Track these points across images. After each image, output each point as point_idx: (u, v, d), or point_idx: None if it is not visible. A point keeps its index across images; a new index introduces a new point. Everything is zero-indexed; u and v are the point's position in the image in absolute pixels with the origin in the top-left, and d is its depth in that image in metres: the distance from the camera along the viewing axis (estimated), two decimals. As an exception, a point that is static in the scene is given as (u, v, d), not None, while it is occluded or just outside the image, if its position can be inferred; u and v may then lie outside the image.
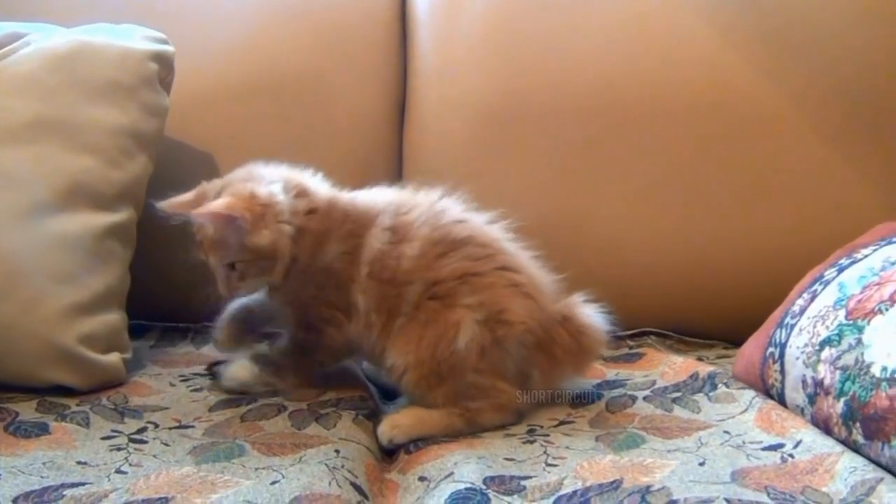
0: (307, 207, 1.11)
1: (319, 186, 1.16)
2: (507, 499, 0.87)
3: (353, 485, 0.89)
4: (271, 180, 1.12)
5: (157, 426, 1.05)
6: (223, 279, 1.11)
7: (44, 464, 0.92)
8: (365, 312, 1.11)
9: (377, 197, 1.17)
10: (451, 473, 0.91)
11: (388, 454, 1.05)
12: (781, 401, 1.09)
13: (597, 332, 1.13)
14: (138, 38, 1.34)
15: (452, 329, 1.06)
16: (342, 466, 0.92)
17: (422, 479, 0.93)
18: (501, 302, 1.08)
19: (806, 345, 1.06)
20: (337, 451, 0.95)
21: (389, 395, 1.22)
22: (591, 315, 1.14)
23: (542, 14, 1.54)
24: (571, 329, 1.12)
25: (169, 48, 1.36)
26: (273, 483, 0.87)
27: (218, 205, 1.06)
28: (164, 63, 1.35)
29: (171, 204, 1.11)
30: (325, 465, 0.91)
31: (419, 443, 1.03)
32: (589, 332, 1.13)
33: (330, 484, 0.87)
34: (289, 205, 1.10)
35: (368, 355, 1.17)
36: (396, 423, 1.06)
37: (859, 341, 0.98)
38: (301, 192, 1.12)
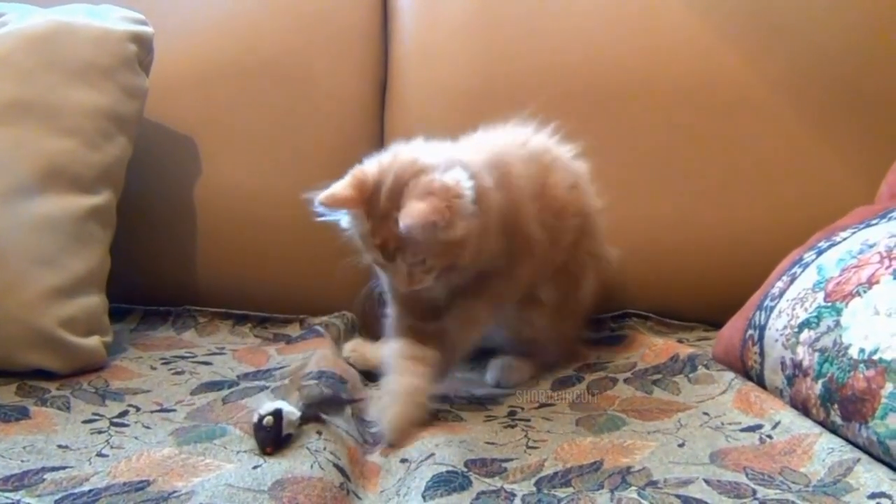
0: (479, 184, 1.05)
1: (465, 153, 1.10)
2: (489, 480, 0.87)
3: (336, 466, 0.89)
4: (446, 164, 1.03)
5: (138, 409, 1.05)
6: (405, 275, 1.04)
7: (24, 448, 0.92)
8: (542, 244, 1.15)
9: (472, 142, 1.18)
10: (433, 454, 0.91)
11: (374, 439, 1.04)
12: (761, 382, 1.10)
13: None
14: (117, 19, 1.32)
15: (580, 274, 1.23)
16: (324, 449, 0.92)
17: (403, 461, 0.94)
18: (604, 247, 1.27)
19: (785, 327, 1.07)
20: (319, 433, 0.95)
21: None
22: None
23: (524, -3, 1.54)
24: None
25: (148, 29, 1.35)
26: (255, 467, 0.87)
27: (423, 211, 0.97)
28: (144, 44, 1.33)
29: (336, 199, 1.03)
30: (307, 448, 0.91)
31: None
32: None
33: (312, 467, 0.87)
34: (472, 188, 1.03)
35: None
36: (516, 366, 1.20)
37: (837, 323, 0.99)
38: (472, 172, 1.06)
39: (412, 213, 0.97)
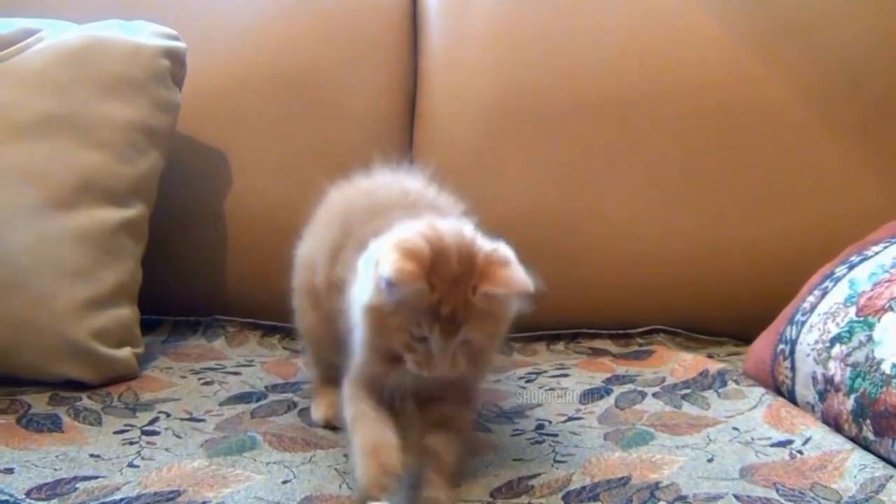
0: None
1: None
2: (516, 501, 0.87)
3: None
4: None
5: (168, 416, 1.06)
6: (449, 358, 0.89)
7: (56, 457, 0.93)
8: None
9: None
10: (459, 485, 0.90)
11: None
12: (792, 398, 1.09)
13: None
14: (150, 35, 1.34)
15: None
16: (352, 470, 0.92)
17: None
18: None
19: (816, 342, 1.06)
20: (346, 456, 0.95)
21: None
22: None
23: (551, 11, 1.54)
24: None
25: (180, 44, 1.36)
26: (284, 482, 0.88)
27: (523, 278, 0.88)
28: (176, 59, 1.35)
29: (407, 274, 0.85)
30: (335, 469, 0.92)
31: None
32: None
33: (340, 486, 0.88)
34: None
35: None
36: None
37: (870, 338, 0.98)
38: None
39: (514, 278, 0.88)
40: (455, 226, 0.93)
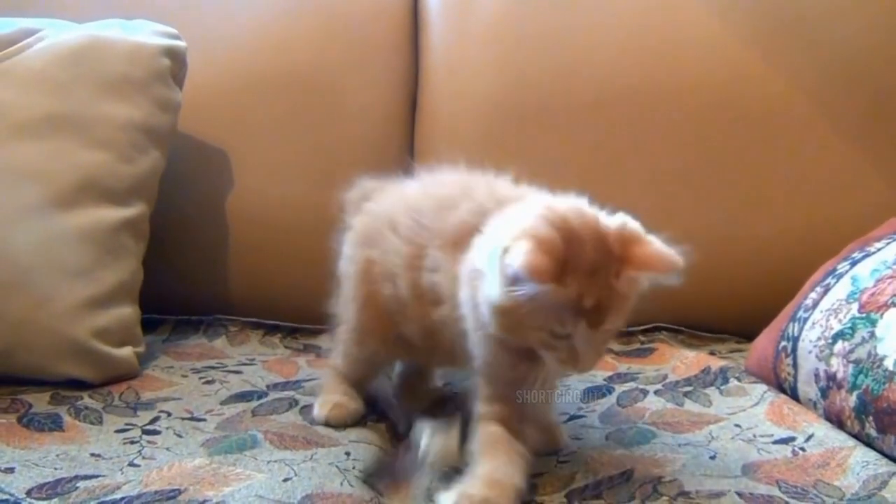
0: None
1: None
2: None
3: (367, 482, 0.89)
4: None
5: (169, 415, 1.06)
6: (596, 346, 0.84)
7: (57, 456, 0.93)
8: None
9: None
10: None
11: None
12: (794, 395, 1.09)
13: None
14: (150, 34, 1.34)
15: None
16: (353, 468, 0.92)
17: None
18: None
19: (819, 338, 1.06)
20: (347, 454, 0.96)
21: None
22: None
23: (552, 9, 1.54)
24: None
25: (181, 43, 1.36)
26: (285, 480, 0.88)
27: (668, 253, 0.85)
28: (177, 58, 1.35)
29: (545, 272, 0.77)
30: (336, 466, 0.92)
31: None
32: None
33: (342, 484, 0.88)
34: None
35: None
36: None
37: (872, 335, 0.98)
38: None
39: (658, 256, 0.84)
40: (574, 205, 0.85)
